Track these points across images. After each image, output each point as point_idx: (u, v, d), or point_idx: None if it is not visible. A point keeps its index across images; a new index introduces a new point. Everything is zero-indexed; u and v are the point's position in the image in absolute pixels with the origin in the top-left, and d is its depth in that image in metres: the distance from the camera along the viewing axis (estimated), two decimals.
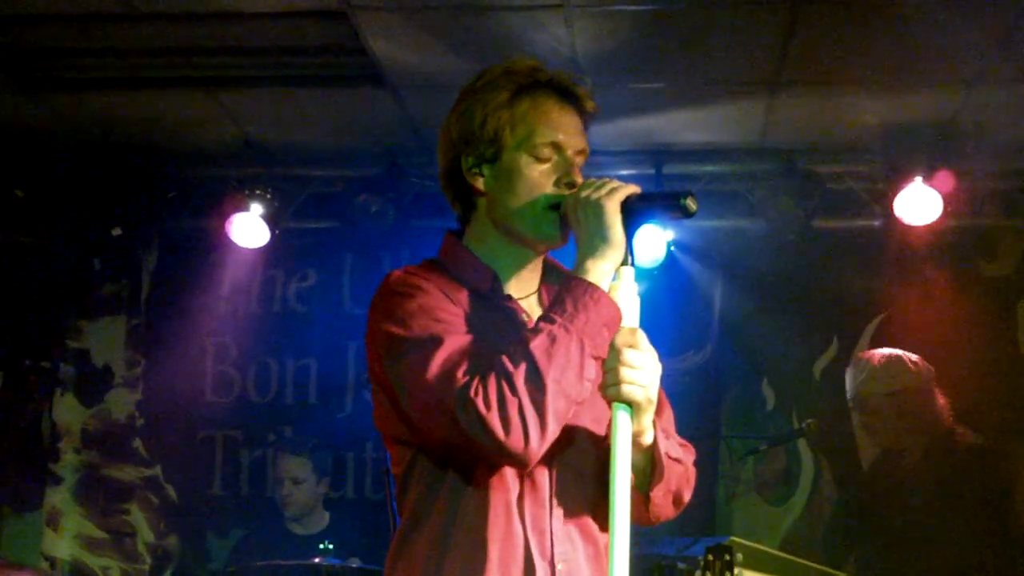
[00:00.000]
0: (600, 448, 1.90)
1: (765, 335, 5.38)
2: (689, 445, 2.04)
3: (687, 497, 2.00)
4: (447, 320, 1.84)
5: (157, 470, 5.59)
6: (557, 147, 1.94)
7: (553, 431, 1.75)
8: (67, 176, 5.38)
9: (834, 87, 4.59)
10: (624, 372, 1.77)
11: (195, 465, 5.58)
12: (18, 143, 5.23)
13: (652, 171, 5.09)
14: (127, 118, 5.02)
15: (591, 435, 1.92)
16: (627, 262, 1.83)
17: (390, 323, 1.86)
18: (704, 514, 5.12)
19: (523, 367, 1.73)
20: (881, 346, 4.91)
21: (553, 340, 1.75)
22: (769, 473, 5.31)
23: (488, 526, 1.82)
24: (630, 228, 1.83)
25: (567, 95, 1.98)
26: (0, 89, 4.74)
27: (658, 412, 1.88)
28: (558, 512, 1.87)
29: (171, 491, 5.58)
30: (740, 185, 5.21)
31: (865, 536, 4.86)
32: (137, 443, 5.63)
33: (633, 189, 1.85)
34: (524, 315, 1.96)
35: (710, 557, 3.01)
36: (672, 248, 5.17)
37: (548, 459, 1.82)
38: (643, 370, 1.78)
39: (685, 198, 1.83)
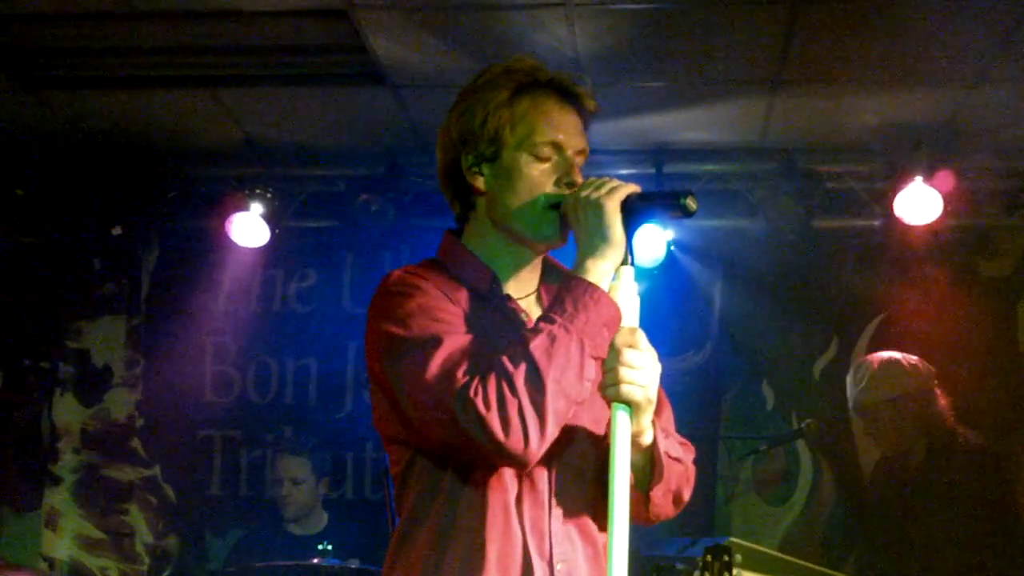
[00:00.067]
0: (599, 448, 1.90)
1: (765, 335, 5.38)
2: (689, 444, 2.03)
3: (687, 496, 2.00)
4: (446, 320, 1.84)
5: (156, 470, 5.59)
6: (557, 146, 1.94)
7: (553, 431, 1.75)
8: (67, 176, 5.38)
9: (834, 87, 4.59)
10: (624, 372, 1.76)
11: (194, 465, 5.57)
12: (18, 143, 5.23)
13: (652, 170, 5.08)
14: (127, 118, 5.02)
15: (590, 435, 1.92)
16: (627, 262, 1.83)
17: (389, 323, 1.86)
18: (703, 514, 5.12)
19: (523, 367, 1.73)
20: (881, 346, 4.90)
21: (553, 340, 1.75)
22: (768, 473, 5.31)
23: (486, 527, 1.82)
24: (630, 228, 1.82)
25: (567, 95, 1.98)
26: (0, 89, 4.74)
27: (658, 411, 1.88)
28: (557, 512, 1.87)
29: (170, 491, 5.57)
30: (740, 184, 5.21)
31: (865, 537, 4.85)
32: (136, 443, 5.62)
33: (633, 188, 1.85)
34: (523, 315, 1.95)
35: (709, 558, 3.01)
36: (672, 248, 5.17)
37: (547, 459, 1.82)
38: (643, 370, 1.78)
39: (685, 197, 1.83)
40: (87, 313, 5.72)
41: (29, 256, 5.63)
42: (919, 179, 4.86)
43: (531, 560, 1.83)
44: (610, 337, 1.79)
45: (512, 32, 4.16)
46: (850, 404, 4.67)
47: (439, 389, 1.75)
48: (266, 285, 5.68)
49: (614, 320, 1.79)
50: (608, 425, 1.82)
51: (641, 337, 1.80)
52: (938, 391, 4.50)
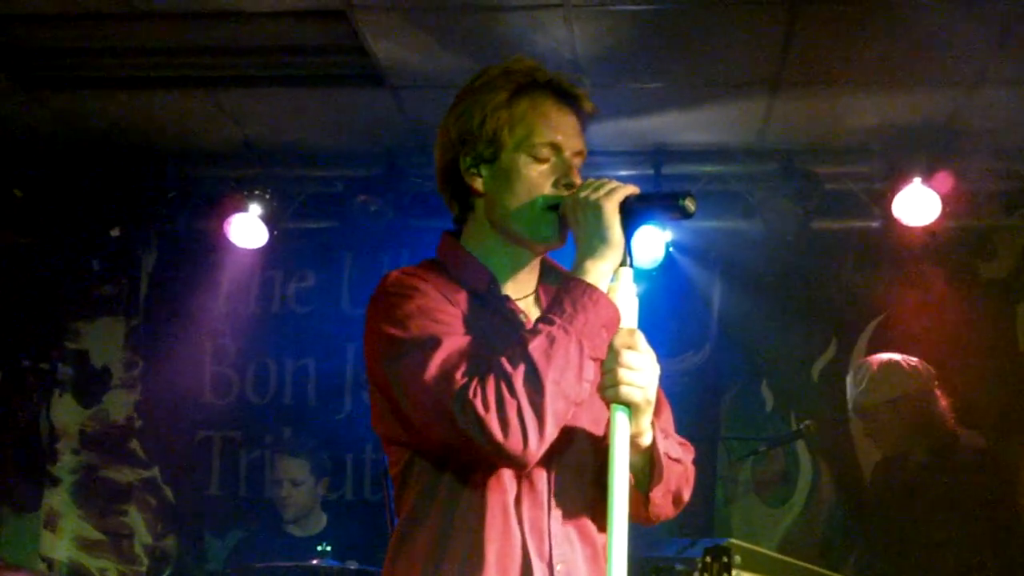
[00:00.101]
0: (598, 449, 1.90)
1: (764, 336, 5.37)
2: (688, 444, 2.03)
3: (687, 496, 2.00)
4: (445, 321, 1.84)
5: (155, 471, 5.59)
6: (555, 148, 1.94)
7: (552, 433, 1.75)
8: (66, 176, 5.38)
9: (833, 88, 4.59)
10: (622, 373, 1.76)
11: (193, 466, 5.57)
12: (17, 142, 5.23)
13: (651, 171, 5.09)
14: (126, 118, 5.02)
15: (590, 436, 1.92)
16: (626, 263, 1.83)
17: (388, 324, 1.86)
18: (702, 515, 5.11)
19: (522, 368, 1.73)
20: (880, 347, 4.90)
21: (552, 341, 1.75)
22: (768, 474, 5.31)
23: (485, 527, 1.82)
24: (629, 229, 1.82)
25: (566, 96, 1.98)
26: (0, 89, 4.73)
27: (657, 412, 1.88)
28: (556, 513, 1.87)
29: (169, 492, 5.57)
30: (739, 186, 5.21)
31: (864, 538, 4.85)
32: (135, 444, 5.62)
33: (632, 190, 1.85)
34: (522, 316, 1.95)
35: (708, 559, 3.01)
36: (671, 249, 5.17)
37: (546, 460, 1.82)
38: (642, 371, 1.78)
39: (684, 199, 1.83)
40: (86, 314, 5.72)
41: (28, 257, 5.63)
42: (918, 180, 4.87)
43: (530, 561, 1.82)
44: (609, 338, 1.79)
45: (511, 33, 4.16)
46: (850, 405, 4.67)
47: (438, 390, 1.75)
48: (265, 286, 5.68)
49: (613, 321, 1.79)
50: (607, 426, 1.81)
51: (640, 338, 1.80)
52: (938, 392, 4.49)
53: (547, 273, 2.03)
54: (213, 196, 5.33)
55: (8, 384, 5.63)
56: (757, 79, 4.53)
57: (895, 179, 4.93)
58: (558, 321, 1.77)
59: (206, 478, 5.57)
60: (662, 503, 1.93)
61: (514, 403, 1.71)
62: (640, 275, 1.86)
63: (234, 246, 5.31)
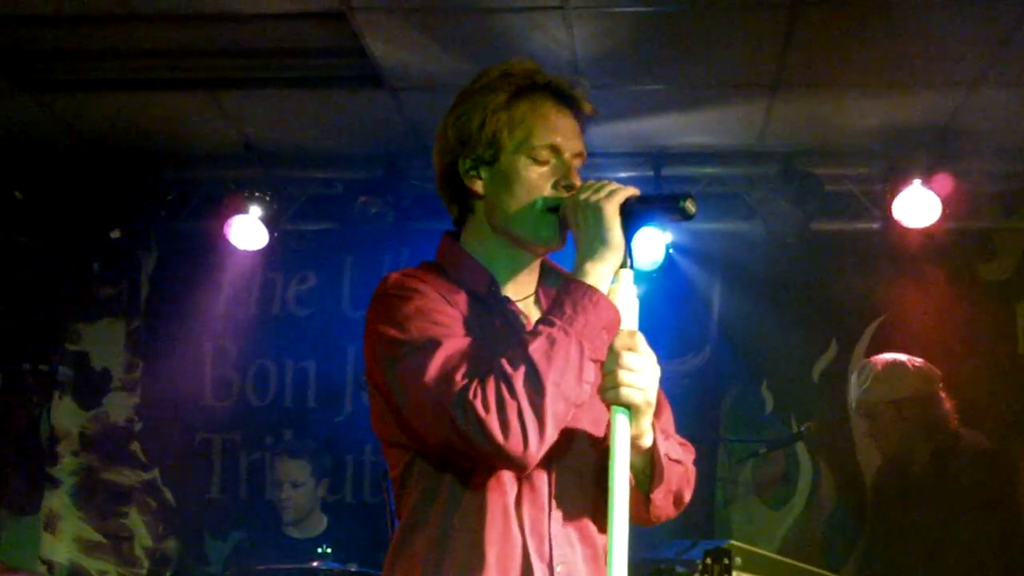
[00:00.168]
0: (599, 450, 1.89)
1: (764, 337, 5.37)
2: (689, 444, 2.03)
3: (688, 497, 2.00)
4: (445, 323, 1.84)
5: (155, 473, 5.59)
6: (555, 149, 1.93)
7: (552, 434, 1.75)
8: (66, 178, 5.38)
9: (833, 89, 4.59)
10: (623, 375, 1.76)
11: (193, 468, 5.57)
12: (17, 144, 5.23)
13: (651, 173, 5.09)
14: (126, 119, 5.02)
15: (590, 437, 1.91)
16: (626, 264, 1.82)
17: (388, 326, 1.85)
18: (703, 517, 5.11)
19: (522, 370, 1.72)
20: (880, 349, 4.89)
21: (552, 343, 1.75)
22: (768, 476, 5.31)
23: (486, 529, 1.82)
24: (629, 230, 1.82)
25: (565, 98, 1.98)
26: (0, 89, 4.73)
27: (657, 413, 1.88)
28: (557, 515, 1.87)
29: (169, 494, 5.57)
30: (739, 187, 5.21)
31: (865, 539, 4.85)
32: (135, 446, 5.62)
33: (632, 191, 1.85)
34: (522, 317, 1.95)
35: (708, 561, 3.00)
36: (671, 250, 5.17)
37: (547, 462, 1.82)
38: (642, 373, 1.78)
39: (684, 200, 1.83)
40: (86, 316, 5.72)
41: (28, 258, 5.63)
42: (918, 182, 4.87)
43: (531, 562, 1.82)
44: (609, 340, 1.79)
45: (510, 35, 4.16)
46: (853, 404, 4.67)
47: (438, 392, 1.75)
48: (265, 288, 5.68)
49: (613, 323, 1.79)
50: (607, 427, 1.81)
51: (640, 340, 1.80)
52: (942, 394, 4.49)
53: (547, 275, 2.03)
54: (213, 198, 5.34)
55: (8, 386, 5.63)
56: (757, 81, 4.53)
57: (895, 180, 4.93)
58: (558, 323, 1.77)
59: (206, 480, 5.57)
60: (663, 504, 1.93)
61: (514, 404, 1.71)
62: (640, 277, 1.86)
63: (234, 248, 5.31)
